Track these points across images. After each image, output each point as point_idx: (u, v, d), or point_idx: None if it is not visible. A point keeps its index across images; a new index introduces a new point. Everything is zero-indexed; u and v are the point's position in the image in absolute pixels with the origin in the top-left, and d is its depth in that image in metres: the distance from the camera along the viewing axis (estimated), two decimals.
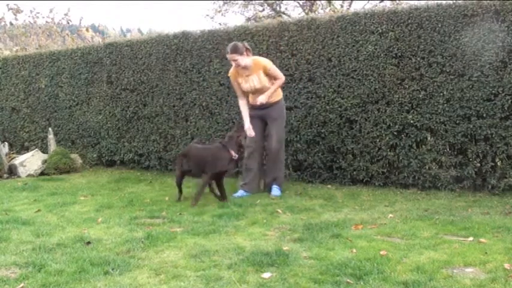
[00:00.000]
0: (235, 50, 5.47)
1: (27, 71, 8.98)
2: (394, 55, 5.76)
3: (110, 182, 7.03)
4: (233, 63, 5.54)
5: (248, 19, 17.63)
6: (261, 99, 5.57)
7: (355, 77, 5.99)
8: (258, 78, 5.56)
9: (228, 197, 5.42)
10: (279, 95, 5.75)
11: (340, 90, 6.09)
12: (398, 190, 5.75)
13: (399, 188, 5.81)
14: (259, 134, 5.72)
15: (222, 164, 5.34)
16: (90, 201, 5.71)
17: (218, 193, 5.45)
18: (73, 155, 8.17)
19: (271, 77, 5.62)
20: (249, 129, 5.57)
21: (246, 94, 5.76)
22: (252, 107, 5.72)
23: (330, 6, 16.13)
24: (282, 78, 5.68)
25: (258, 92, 5.61)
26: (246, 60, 5.51)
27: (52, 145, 8.31)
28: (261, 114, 5.69)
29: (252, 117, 5.68)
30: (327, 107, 6.16)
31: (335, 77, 6.11)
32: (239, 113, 6.56)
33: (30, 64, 8.94)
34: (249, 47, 5.65)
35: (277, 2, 18.03)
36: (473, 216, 4.48)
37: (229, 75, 5.78)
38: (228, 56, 5.53)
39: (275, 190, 5.69)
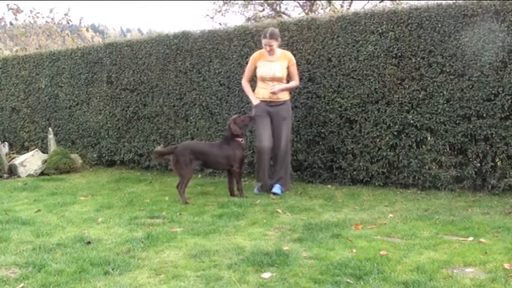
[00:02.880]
0: (273, 36, 5.62)
1: (27, 71, 8.98)
2: (394, 55, 5.76)
3: (110, 182, 7.03)
4: (267, 48, 5.66)
5: (248, 19, 17.60)
6: (278, 87, 5.68)
7: (355, 77, 5.99)
8: (281, 67, 5.69)
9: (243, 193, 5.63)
10: (288, 95, 5.85)
11: (340, 90, 6.09)
12: (398, 190, 5.75)
13: (399, 188, 5.81)
14: (269, 132, 5.72)
15: (239, 153, 5.60)
16: (90, 201, 5.71)
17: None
18: (73, 155, 8.17)
19: (289, 75, 5.77)
20: (255, 100, 5.78)
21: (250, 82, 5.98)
22: (261, 104, 5.77)
23: (330, 6, 16.11)
24: (298, 81, 5.87)
25: (274, 80, 5.71)
26: (277, 44, 5.71)
27: (52, 145, 8.31)
28: (269, 111, 5.73)
29: (261, 116, 5.73)
30: (327, 107, 6.16)
31: (335, 77, 6.11)
32: (239, 113, 6.56)
33: (30, 64, 8.94)
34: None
35: (277, 2, 18.01)
36: (473, 216, 4.48)
37: (252, 56, 5.89)
38: (266, 40, 5.63)
39: (276, 188, 5.69)
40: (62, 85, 8.58)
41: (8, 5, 15.33)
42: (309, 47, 6.24)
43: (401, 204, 5.10)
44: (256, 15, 17.71)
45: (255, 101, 5.79)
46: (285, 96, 5.79)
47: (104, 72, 8.09)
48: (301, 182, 6.36)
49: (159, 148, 6.29)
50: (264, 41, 5.68)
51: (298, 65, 6.30)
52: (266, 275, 3.20)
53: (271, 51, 5.68)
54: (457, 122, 5.48)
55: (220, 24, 17.39)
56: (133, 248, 3.81)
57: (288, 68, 5.73)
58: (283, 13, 17.80)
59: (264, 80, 5.78)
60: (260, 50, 5.83)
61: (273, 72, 5.70)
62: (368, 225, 4.30)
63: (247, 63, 6.66)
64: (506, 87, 5.22)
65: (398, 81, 5.76)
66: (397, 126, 5.77)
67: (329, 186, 6.13)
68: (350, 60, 6.00)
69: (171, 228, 4.37)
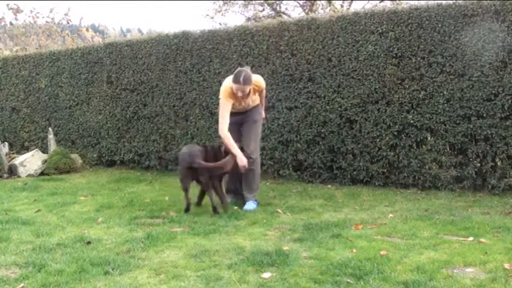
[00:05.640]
0: (248, 81, 4.87)
1: (27, 71, 8.98)
2: (394, 55, 5.76)
3: (110, 182, 7.03)
4: (239, 93, 4.93)
5: (248, 19, 17.61)
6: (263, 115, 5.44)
7: (355, 77, 5.99)
8: (253, 100, 5.20)
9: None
10: (258, 100, 5.30)
11: (340, 90, 6.09)
12: (398, 190, 5.75)
13: (399, 188, 5.81)
14: (239, 140, 5.24)
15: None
16: (90, 201, 5.71)
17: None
18: (73, 155, 8.17)
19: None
20: (240, 153, 4.92)
21: None
22: (230, 114, 5.16)
23: (330, 6, 16.12)
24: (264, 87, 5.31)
25: (245, 108, 5.23)
26: (251, 87, 5.01)
27: (52, 145, 8.31)
28: (239, 120, 5.25)
29: (229, 124, 5.14)
30: (327, 107, 6.16)
31: (335, 77, 6.11)
32: None
33: (30, 64, 8.94)
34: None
35: (277, 2, 18.01)
36: (473, 216, 4.48)
37: (225, 99, 5.06)
38: (239, 86, 4.86)
39: (248, 204, 5.10)
40: (62, 85, 8.58)
41: (8, 5, 15.36)
42: (309, 47, 6.24)
43: (402, 204, 5.10)
44: (256, 15, 17.71)
45: (240, 153, 4.92)
46: (254, 103, 5.24)
47: (104, 72, 8.09)
48: (301, 182, 6.36)
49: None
50: (235, 86, 4.89)
51: (298, 65, 6.33)
52: (266, 275, 3.20)
53: (242, 95, 4.96)
54: (457, 122, 5.48)
55: (220, 24, 17.40)
56: (133, 248, 3.81)
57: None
58: (283, 13, 17.80)
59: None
60: (229, 86, 5.01)
61: (246, 106, 5.19)
62: (368, 225, 4.30)
63: (247, 63, 6.67)
64: (506, 87, 5.22)
65: (399, 81, 5.76)
66: (397, 126, 5.77)
67: (329, 186, 6.13)
68: (350, 60, 6.00)
69: (171, 228, 4.37)
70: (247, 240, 3.99)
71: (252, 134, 5.23)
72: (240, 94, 4.95)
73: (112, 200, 5.69)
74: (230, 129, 5.23)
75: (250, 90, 5.05)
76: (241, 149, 5.06)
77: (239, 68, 5.05)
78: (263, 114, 5.48)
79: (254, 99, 5.25)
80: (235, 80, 4.89)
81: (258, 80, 5.14)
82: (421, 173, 5.69)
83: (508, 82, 5.21)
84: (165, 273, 3.30)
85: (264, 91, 5.34)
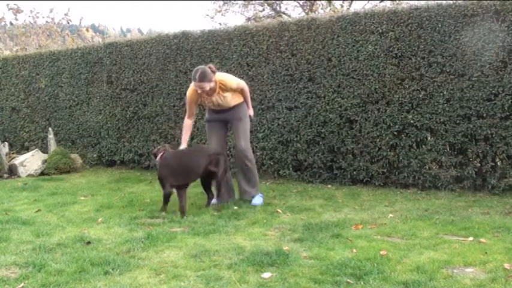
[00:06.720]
0: (204, 78, 4.94)
1: (27, 71, 8.98)
2: (394, 55, 5.76)
3: (110, 182, 7.03)
4: (199, 90, 5.04)
5: (248, 19, 17.59)
6: (251, 112, 5.45)
7: (355, 77, 5.99)
8: (223, 97, 5.18)
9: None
10: (241, 98, 5.33)
11: (340, 90, 6.09)
12: (398, 190, 5.75)
13: (399, 188, 5.81)
14: (222, 138, 5.43)
15: None
16: (90, 201, 5.71)
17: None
18: (73, 155, 8.17)
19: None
20: (183, 145, 5.17)
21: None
22: (213, 111, 5.37)
23: (330, 6, 16.11)
24: (246, 87, 5.32)
25: (222, 106, 5.26)
26: (211, 85, 5.03)
27: (52, 145, 8.31)
28: (223, 118, 5.34)
29: (212, 121, 5.41)
30: (327, 107, 6.16)
31: (335, 77, 6.11)
32: None
33: (30, 64, 8.94)
34: (215, 69, 5.10)
35: (277, 2, 18.00)
36: (473, 216, 4.48)
37: (187, 95, 5.24)
38: (196, 84, 4.97)
39: (256, 199, 5.26)
40: (62, 85, 8.58)
41: (8, 5, 15.39)
42: (309, 47, 6.24)
43: (401, 204, 5.10)
44: (256, 15, 17.70)
45: (184, 145, 5.21)
46: (235, 102, 5.27)
47: (104, 72, 8.09)
48: (301, 182, 6.36)
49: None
50: (193, 83, 5.04)
51: (298, 64, 6.32)
52: (266, 275, 3.20)
53: (203, 92, 5.06)
54: (457, 122, 5.48)
55: (220, 24, 17.40)
56: (133, 248, 3.81)
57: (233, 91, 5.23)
58: (283, 13, 17.78)
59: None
60: (193, 88, 5.13)
61: (216, 104, 5.23)
62: (368, 225, 4.30)
63: (247, 63, 6.69)
64: (506, 87, 5.22)
65: (399, 81, 5.76)
66: (397, 126, 5.77)
67: (329, 186, 6.13)
68: (350, 60, 6.00)
69: (171, 228, 4.37)
70: (247, 240, 3.99)
71: (240, 133, 5.30)
72: (199, 91, 5.05)
73: (112, 200, 5.69)
74: (213, 125, 5.41)
75: (215, 88, 5.09)
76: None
77: (198, 66, 5.17)
78: (250, 112, 5.48)
79: (233, 97, 5.24)
80: (192, 78, 5.04)
81: (224, 78, 5.13)
82: (421, 173, 5.69)
83: (508, 82, 5.21)
84: (165, 273, 3.30)
85: (246, 90, 5.31)
